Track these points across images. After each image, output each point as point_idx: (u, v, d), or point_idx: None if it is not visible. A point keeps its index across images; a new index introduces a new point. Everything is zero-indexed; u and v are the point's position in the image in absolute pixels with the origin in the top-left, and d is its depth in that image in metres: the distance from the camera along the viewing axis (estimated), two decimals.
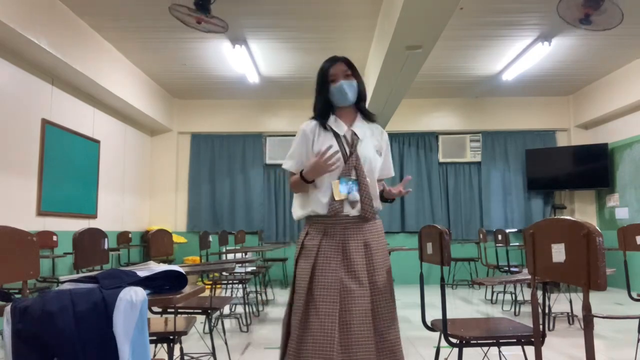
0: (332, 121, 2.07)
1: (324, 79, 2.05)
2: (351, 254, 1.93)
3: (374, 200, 2.01)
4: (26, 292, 1.66)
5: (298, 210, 2.08)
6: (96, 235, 2.43)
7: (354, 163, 1.99)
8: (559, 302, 5.46)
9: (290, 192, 7.94)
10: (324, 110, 2.07)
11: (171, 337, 2.10)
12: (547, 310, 4.38)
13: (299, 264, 1.99)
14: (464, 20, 5.07)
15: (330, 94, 2.04)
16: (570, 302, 4.58)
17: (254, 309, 5.25)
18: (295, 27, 5.30)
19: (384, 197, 2.08)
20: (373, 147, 2.07)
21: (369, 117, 2.14)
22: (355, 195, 1.94)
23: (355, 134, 2.05)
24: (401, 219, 7.87)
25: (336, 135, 2.03)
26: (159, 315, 2.59)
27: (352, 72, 2.06)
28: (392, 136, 8.01)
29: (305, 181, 1.95)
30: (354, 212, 1.97)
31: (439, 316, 1.97)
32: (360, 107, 2.13)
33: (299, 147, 2.07)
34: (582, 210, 7.79)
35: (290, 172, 2.08)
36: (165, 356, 2.19)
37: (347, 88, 2.03)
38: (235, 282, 4.51)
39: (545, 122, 7.98)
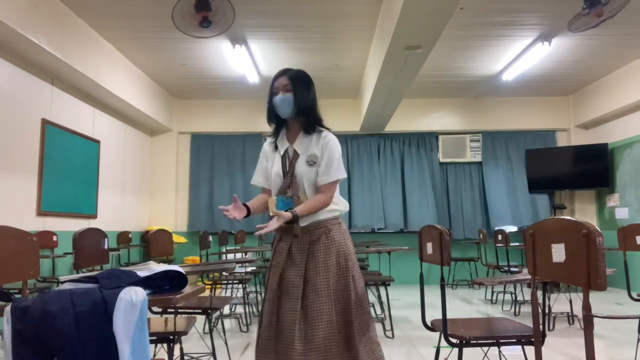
0: (280, 139, 2.22)
1: (270, 91, 2.19)
2: (294, 255, 2.10)
3: (308, 215, 2.08)
4: (26, 292, 1.66)
5: None
6: (96, 235, 2.43)
7: (288, 181, 2.12)
8: (559, 302, 5.46)
9: None
10: (274, 121, 2.22)
11: (171, 337, 2.10)
12: (547, 310, 4.38)
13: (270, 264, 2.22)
14: (464, 20, 5.07)
15: (272, 105, 2.17)
16: (570, 302, 4.58)
17: (254, 309, 5.25)
18: (295, 27, 5.30)
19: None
20: (306, 161, 2.13)
21: (309, 130, 2.17)
22: (284, 213, 2.00)
23: (295, 151, 2.16)
24: (401, 219, 7.86)
25: (280, 153, 2.20)
26: (159, 315, 2.59)
27: (293, 86, 2.12)
28: (392, 136, 8.01)
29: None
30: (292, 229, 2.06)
31: (439, 316, 1.97)
32: (300, 120, 2.17)
33: (261, 164, 2.27)
34: (582, 210, 7.79)
35: (256, 187, 2.29)
36: (165, 356, 2.19)
37: (279, 102, 2.13)
38: (235, 282, 4.50)
39: (545, 122, 7.98)
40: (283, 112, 2.14)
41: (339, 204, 2.19)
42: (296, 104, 2.12)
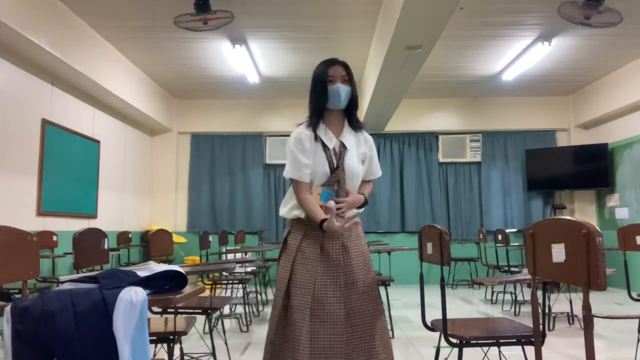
0: (322, 132, 2.10)
1: (322, 79, 2.06)
2: (329, 254, 2.00)
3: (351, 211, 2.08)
4: (26, 292, 1.66)
5: (284, 210, 2.13)
6: (96, 235, 2.43)
7: (338, 176, 2.06)
8: (559, 302, 5.46)
9: None
10: (316, 112, 2.10)
11: (171, 337, 2.10)
12: (547, 310, 4.38)
13: (281, 262, 2.07)
14: (464, 20, 5.07)
15: (326, 94, 2.05)
16: (570, 302, 4.58)
17: (254, 309, 5.25)
18: (295, 27, 5.30)
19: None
20: (358, 157, 2.12)
21: (356, 126, 2.16)
22: (332, 204, 1.99)
23: (343, 145, 2.10)
24: (401, 219, 7.87)
25: (325, 147, 2.08)
26: (159, 315, 2.59)
27: (349, 77, 2.07)
28: (392, 136, 8.01)
29: (318, 223, 1.96)
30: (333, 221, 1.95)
31: (439, 316, 1.97)
32: (349, 115, 2.15)
33: (299, 159, 2.06)
34: (582, 210, 7.79)
35: (296, 182, 2.06)
36: (165, 356, 2.19)
37: (342, 91, 2.04)
38: (235, 282, 4.51)
39: (545, 122, 7.98)
40: (340, 103, 2.07)
41: None
42: (351, 97, 2.09)
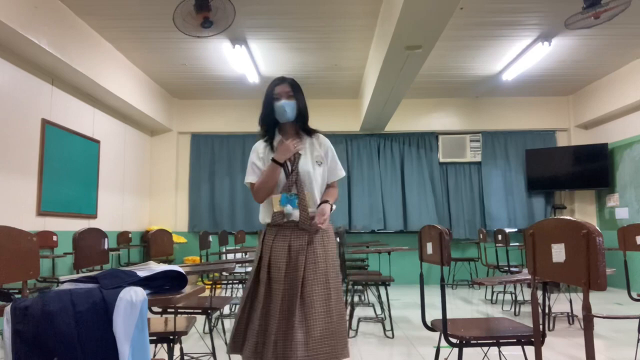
0: (276, 141, 2.33)
1: (269, 97, 2.34)
2: (295, 252, 2.19)
3: (314, 208, 2.24)
4: (26, 292, 1.66)
5: (260, 218, 2.37)
6: (96, 235, 2.43)
7: (294, 179, 2.23)
8: (559, 302, 5.46)
9: None
10: (268, 125, 2.36)
11: (171, 337, 2.10)
12: (547, 310, 4.38)
13: (256, 261, 2.27)
14: (464, 20, 5.07)
15: (273, 110, 2.32)
16: (570, 302, 4.58)
17: None
18: (295, 27, 5.30)
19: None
20: (312, 159, 2.30)
21: (308, 132, 2.36)
22: (289, 209, 2.21)
23: (297, 152, 2.28)
24: (401, 219, 7.86)
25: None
26: (159, 315, 2.59)
27: (294, 93, 2.31)
28: (392, 136, 8.01)
29: (277, 163, 2.22)
30: (294, 222, 2.22)
31: (439, 316, 1.97)
32: (300, 124, 2.34)
33: (256, 164, 2.32)
34: (582, 210, 7.79)
35: (251, 185, 2.31)
36: (165, 356, 2.19)
37: (286, 106, 2.28)
38: (235, 282, 4.51)
39: (545, 122, 7.98)
40: (287, 117, 2.29)
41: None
42: (297, 109, 2.31)
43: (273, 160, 2.23)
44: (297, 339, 2.03)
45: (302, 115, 2.32)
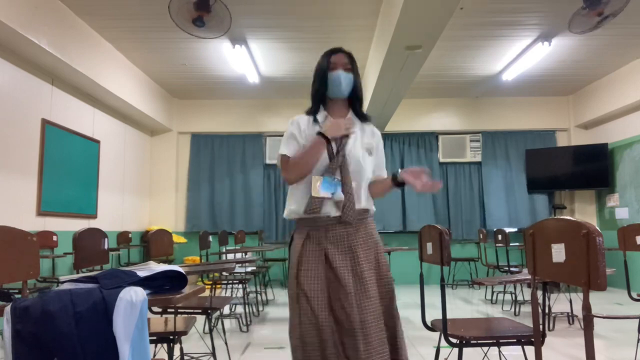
0: (322, 117, 2.00)
1: (324, 65, 2.00)
2: (346, 258, 1.86)
3: (359, 203, 1.91)
4: (26, 292, 1.66)
5: (285, 212, 2.00)
6: (96, 235, 2.43)
7: (339, 162, 1.90)
8: (559, 302, 5.46)
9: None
10: (317, 100, 2.03)
11: (171, 337, 2.10)
12: (547, 310, 4.38)
13: (295, 268, 1.90)
14: (464, 20, 5.07)
15: (327, 81, 1.98)
16: (570, 302, 4.58)
17: (254, 309, 5.25)
18: (295, 27, 5.30)
19: (396, 181, 1.97)
20: (362, 145, 1.99)
21: (361, 116, 2.06)
22: (340, 195, 1.85)
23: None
24: (401, 219, 7.87)
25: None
26: (159, 315, 2.59)
27: (352, 66, 2.00)
28: (392, 136, 8.01)
29: (324, 137, 1.87)
30: (334, 213, 1.86)
31: (439, 316, 1.97)
32: (353, 105, 2.06)
33: (295, 140, 1.97)
34: (582, 210, 7.79)
35: (286, 158, 1.95)
36: (165, 356, 2.19)
37: (343, 78, 1.97)
38: (235, 282, 4.51)
39: (545, 122, 7.98)
40: (343, 90, 1.98)
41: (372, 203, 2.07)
42: (354, 84, 2.01)
43: (319, 133, 1.87)
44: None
45: (357, 93, 2.03)
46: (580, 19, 4.26)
